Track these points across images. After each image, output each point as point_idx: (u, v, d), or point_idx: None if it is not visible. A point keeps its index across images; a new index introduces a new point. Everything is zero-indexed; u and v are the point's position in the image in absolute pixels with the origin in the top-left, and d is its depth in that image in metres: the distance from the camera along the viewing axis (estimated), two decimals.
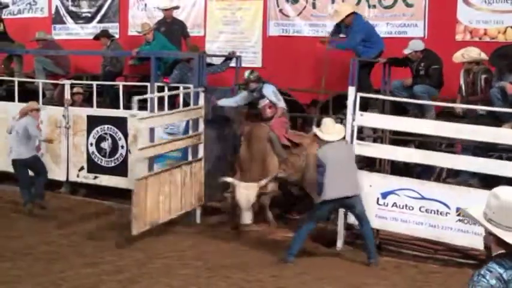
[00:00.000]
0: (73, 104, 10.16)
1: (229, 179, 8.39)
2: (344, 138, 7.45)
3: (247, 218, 8.16)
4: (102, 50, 11.27)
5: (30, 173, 9.26)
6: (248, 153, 8.72)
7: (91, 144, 9.95)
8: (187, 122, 9.18)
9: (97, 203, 9.69)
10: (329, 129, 7.33)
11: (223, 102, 9.16)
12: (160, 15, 11.09)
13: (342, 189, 7.12)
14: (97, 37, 11.17)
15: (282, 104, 8.88)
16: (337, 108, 9.04)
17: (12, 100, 10.39)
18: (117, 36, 11.67)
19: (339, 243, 7.83)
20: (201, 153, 8.91)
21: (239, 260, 7.45)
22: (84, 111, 10.07)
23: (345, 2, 9.95)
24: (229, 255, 7.61)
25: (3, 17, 11.71)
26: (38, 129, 9.54)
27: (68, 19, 12.51)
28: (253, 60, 10.67)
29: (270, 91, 8.82)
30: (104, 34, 11.14)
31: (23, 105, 9.75)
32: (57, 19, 12.56)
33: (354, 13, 9.18)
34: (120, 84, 10.07)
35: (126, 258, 7.30)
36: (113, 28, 11.86)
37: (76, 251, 7.55)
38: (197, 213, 8.89)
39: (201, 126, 8.91)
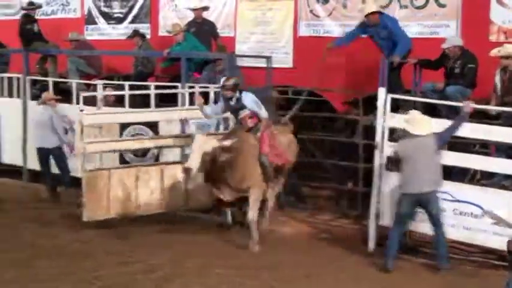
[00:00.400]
0: (106, 104, 10.27)
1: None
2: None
3: (193, 161, 7.54)
4: (134, 50, 11.40)
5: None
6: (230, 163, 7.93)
7: None
8: (218, 121, 9.27)
9: None
10: (418, 123, 7.15)
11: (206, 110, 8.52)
12: (190, 16, 11.16)
13: (419, 185, 7.04)
14: (131, 37, 11.29)
15: (264, 113, 8.20)
16: (368, 108, 9.01)
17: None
18: (148, 36, 11.78)
19: (371, 244, 7.83)
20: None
21: (272, 259, 7.47)
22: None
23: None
24: (261, 255, 7.63)
25: (36, 17, 11.85)
26: (64, 124, 9.89)
27: (100, 20, 12.63)
28: (283, 61, 10.68)
29: (249, 100, 8.16)
30: (137, 34, 11.26)
31: (58, 105, 10.08)
32: (89, 20, 12.69)
33: (379, 12, 9.13)
34: (152, 84, 10.17)
35: (158, 257, 7.36)
36: (144, 29, 11.92)
37: (108, 250, 7.61)
38: (228, 213, 8.92)
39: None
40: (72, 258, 7.26)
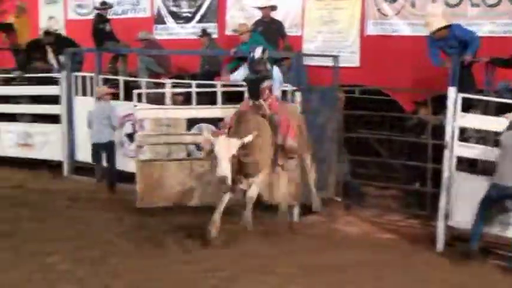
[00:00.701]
0: (174, 103, 10.45)
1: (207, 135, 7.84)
2: None
3: (224, 169, 7.32)
4: (201, 50, 11.56)
5: None
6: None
7: None
8: None
9: None
10: None
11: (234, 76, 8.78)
12: (258, 15, 11.24)
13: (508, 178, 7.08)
14: (200, 36, 11.46)
15: (278, 92, 8.36)
16: (437, 108, 8.89)
17: (117, 98, 10.82)
18: (215, 36, 11.92)
19: (440, 245, 7.74)
20: None
21: (336, 259, 7.45)
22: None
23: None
24: (326, 255, 7.62)
25: (108, 17, 12.14)
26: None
27: (169, 19, 12.83)
28: (350, 60, 10.64)
29: (277, 74, 8.32)
30: (206, 34, 11.42)
31: (127, 103, 10.34)
32: (158, 19, 12.89)
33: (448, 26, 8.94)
34: (218, 83, 10.29)
35: (222, 256, 7.37)
36: (211, 28, 12.06)
37: (176, 247, 7.67)
38: (295, 213, 8.96)
39: None
40: (142, 255, 7.36)
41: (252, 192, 7.83)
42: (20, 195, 10.00)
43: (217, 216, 7.68)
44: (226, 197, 7.79)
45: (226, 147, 7.42)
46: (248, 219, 7.82)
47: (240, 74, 8.56)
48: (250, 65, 8.17)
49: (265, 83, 8.08)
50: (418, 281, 6.80)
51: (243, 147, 7.51)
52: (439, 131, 8.26)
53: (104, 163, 10.42)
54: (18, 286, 6.21)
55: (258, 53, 8.05)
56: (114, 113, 10.35)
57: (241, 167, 7.63)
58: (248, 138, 7.51)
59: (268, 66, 8.20)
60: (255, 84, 8.14)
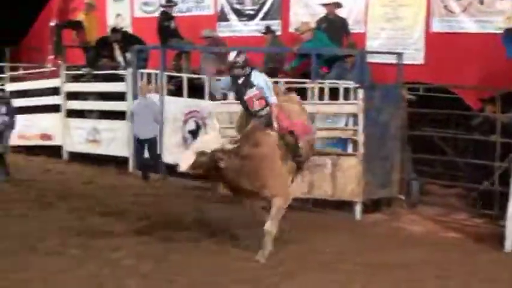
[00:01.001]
0: None
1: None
2: None
3: (185, 162, 6.85)
4: (264, 47, 11.63)
5: None
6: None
7: None
8: (347, 117, 9.38)
9: None
10: None
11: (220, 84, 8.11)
12: (321, 12, 11.25)
13: None
14: (264, 33, 11.55)
15: (274, 98, 7.31)
16: (506, 105, 8.73)
17: (181, 95, 10.99)
18: (279, 33, 11.97)
19: (508, 245, 7.57)
20: (358, 149, 8.99)
21: (400, 258, 7.36)
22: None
23: None
24: (389, 253, 7.53)
25: (173, 15, 12.33)
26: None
27: (232, 16, 12.93)
28: (414, 57, 10.53)
29: (261, 80, 7.28)
30: (270, 31, 11.49)
31: (191, 100, 10.52)
32: (222, 17, 13.00)
33: None
34: (282, 80, 10.35)
35: (283, 252, 7.35)
36: (275, 25, 12.10)
37: (237, 244, 7.64)
38: (357, 210, 8.95)
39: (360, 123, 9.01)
40: (203, 252, 7.38)
41: (269, 227, 7.11)
42: (89, 191, 10.29)
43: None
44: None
45: (203, 142, 7.01)
46: (264, 256, 7.08)
47: (224, 82, 7.78)
48: (229, 70, 7.42)
49: (248, 93, 7.29)
50: (485, 281, 6.65)
51: (232, 155, 6.91)
52: (509, 129, 8.11)
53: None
54: (87, 281, 6.33)
55: (231, 56, 7.29)
56: (157, 109, 10.58)
57: (239, 181, 7.04)
58: (228, 146, 6.93)
59: (247, 70, 7.27)
60: (239, 96, 7.44)
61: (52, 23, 13.79)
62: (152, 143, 10.83)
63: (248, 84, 7.25)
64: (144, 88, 10.93)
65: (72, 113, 12.83)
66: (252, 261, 7.04)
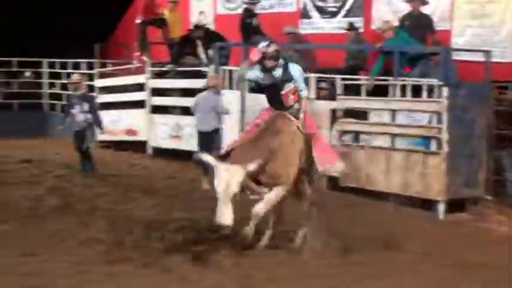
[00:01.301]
0: (318, 97, 10.57)
1: (207, 157, 6.60)
2: None
3: (225, 215, 6.15)
4: (346, 44, 11.57)
5: None
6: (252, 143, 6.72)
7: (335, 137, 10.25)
8: (431, 115, 9.27)
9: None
10: None
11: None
12: (405, 10, 11.09)
13: None
14: (348, 30, 11.52)
15: (306, 92, 7.12)
16: None
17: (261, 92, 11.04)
18: (361, 30, 11.88)
19: None
20: (442, 147, 8.88)
21: (487, 258, 7.18)
22: (328, 105, 10.38)
23: None
24: (476, 253, 7.37)
25: (256, 12, 12.42)
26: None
27: (314, 13, 12.91)
28: (502, 55, 10.24)
29: (297, 70, 6.93)
30: (353, 28, 11.43)
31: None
32: (304, 14, 13.00)
33: None
34: (363, 78, 10.30)
35: (367, 252, 7.23)
36: (357, 22, 12.01)
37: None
38: (440, 209, 8.82)
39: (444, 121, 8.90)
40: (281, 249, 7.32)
41: (258, 209, 6.63)
42: (172, 186, 10.53)
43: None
44: None
45: (226, 181, 6.18)
46: (247, 237, 6.68)
47: (252, 74, 7.12)
48: (260, 63, 6.93)
49: (286, 88, 6.94)
50: None
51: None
52: None
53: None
54: (172, 275, 6.43)
55: (261, 46, 6.84)
56: (219, 101, 10.51)
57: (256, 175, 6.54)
58: (254, 165, 6.30)
59: (281, 61, 6.90)
60: (273, 90, 7.00)
61: (137, 20, 14.10)
62: (213, 137, 10.64)
63: (287, 77, 6.87)
64: (212, 80, 10.90)
65: (157, 109, 13.14)
66: (329, 258, 6.97)
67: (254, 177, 6.49)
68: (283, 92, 6.89)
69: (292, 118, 6.91)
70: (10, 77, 16.48)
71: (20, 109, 16.37)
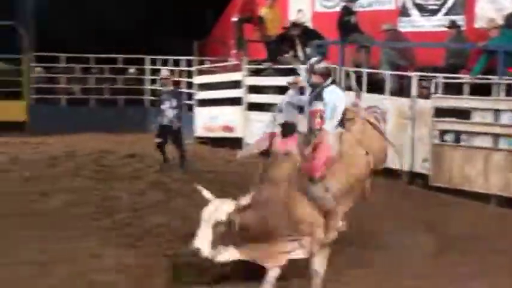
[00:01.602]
0: (420, 96, 10.40)
1: (204, 193, 6.15)
2: None
3: (203, 241, 5.72)
4: (446, 42, 11.31)
5: None
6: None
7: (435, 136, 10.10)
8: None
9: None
10: None
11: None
12: (509, 8, 10.76)
13: None
14: (449, 27, 11.27)
15: (330, 126, 6.27)
16: None
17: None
18: (463, 28, 11.58)
19: None
20: None
21: None
22: (430, 103, 10.21)
23: None
24: None
25: (355, 9, 12.35)
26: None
27: (414, 11, 12.70)
28: None
29: (333, 98, 6.27)
30: (455, 25, 11.16)
31: (371, 95, 10.46)
32: (403, 12, 12.82)
33: None
34: (465, 77, 10.04)
35: (464, 252, 7.19)
36: (459, 20, 11.71)
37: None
38: None
39: None
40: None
41: (318, 266, 6.07)
42: None
43: None
44: None
45: (215, 207, 5.88)
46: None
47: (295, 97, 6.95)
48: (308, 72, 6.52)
49: (314, 105, 6.40)
50: None
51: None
52: None
53: None
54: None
55: (312, 61, 6.47)
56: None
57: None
58: (244, 201, 5.89)
59: (327, 82, 6.38)
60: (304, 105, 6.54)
61: (234, 18, 14.30)
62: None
63: (319, 97, 6.34)
64: (294, 80, 10.83)
65: (253, 106, 13.29)
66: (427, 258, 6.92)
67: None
68: (311, 109, 6.42)
69: (287, 154, 6.33)
70: (116, 73, 17.04)
71: (124, 105, 16.93)
